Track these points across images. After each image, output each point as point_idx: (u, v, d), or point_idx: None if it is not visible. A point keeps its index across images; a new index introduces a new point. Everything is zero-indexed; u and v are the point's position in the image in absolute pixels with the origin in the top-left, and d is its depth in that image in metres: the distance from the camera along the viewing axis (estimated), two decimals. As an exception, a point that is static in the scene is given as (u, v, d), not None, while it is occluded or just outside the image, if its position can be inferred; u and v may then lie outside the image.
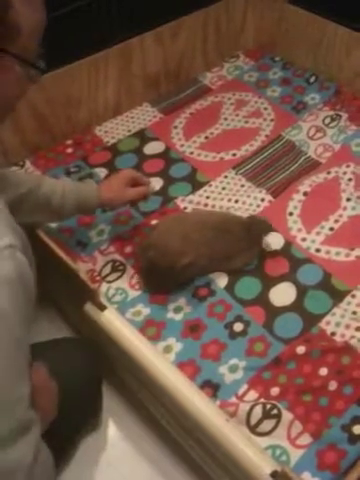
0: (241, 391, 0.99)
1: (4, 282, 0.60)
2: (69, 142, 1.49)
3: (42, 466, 0.67)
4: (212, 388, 1.00)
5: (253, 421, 0.95)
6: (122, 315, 1.06)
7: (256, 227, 1.19)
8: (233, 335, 1.07)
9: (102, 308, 1.00)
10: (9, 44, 0.65)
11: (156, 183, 1.37)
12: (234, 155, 1.46)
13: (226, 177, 1.40)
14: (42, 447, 0.68)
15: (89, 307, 1.01)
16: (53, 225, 1.27)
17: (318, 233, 1.26)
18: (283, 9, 1.69)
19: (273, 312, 1.11)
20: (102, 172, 1.41)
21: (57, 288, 1.20)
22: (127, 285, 1.16)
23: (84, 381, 1.01)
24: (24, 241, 0.67)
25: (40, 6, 0.68)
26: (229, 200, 1.34)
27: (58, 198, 1.07)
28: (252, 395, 0.99)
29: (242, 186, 1.37)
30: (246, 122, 1.56)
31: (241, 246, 1.16)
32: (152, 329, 1.08)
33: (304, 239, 1.24)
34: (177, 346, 1.06)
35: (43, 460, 0.68)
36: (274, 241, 1.23)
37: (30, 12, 0.66)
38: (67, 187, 1.09)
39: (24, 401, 0.64)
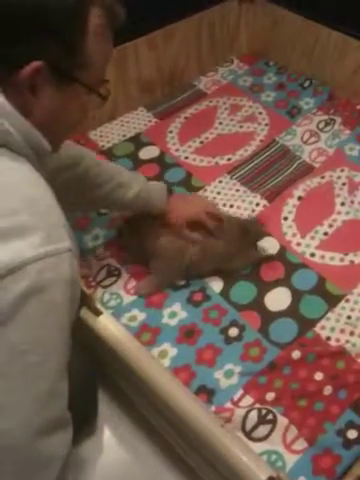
0: (236, 396, 0.99)
1: (62, 282, 0.63)
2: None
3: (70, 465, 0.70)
4: (207, 393, 1.00)
5: (248, 426, 0.95)
6: (117, 320, 1.05)
7: (253, 230, 1.19)
8: (228, 340, 1.07)
9: (97, 313, 1.00)
10: (80, 73, 0.69)
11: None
12: (229, 160, 1.47)
13: (221, 182, 1.40)
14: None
15: (84, 312, 1.00)
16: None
17: (313, 238, 1.26)
18: (277, 14, 1.70)
19: (268, 317, 1.11)
20: (97, 177, 1.40)
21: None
22: (122, 290, 1.15)
23: (79, 387, 0.99)
24: (76, 247, 0.69)
25: (110, 39, 0.73)
26: (224, 205, 1.34)
27: (131, 195, 1.10)
28: (247, 400, 0.99)
29: (237, 191, 1.38)
30: (241, 127, 1.57)
31: (238, 247, 1.16)
32: (147, 334, 1.08)
33: (299, 244, 1.25)
34: (172, 351, 1.06)
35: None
36: (269, 246, 1.24)
37: (103, 44, 0.70)
38: (143, 185, 1.13)
39: (65, 397, 0.67)
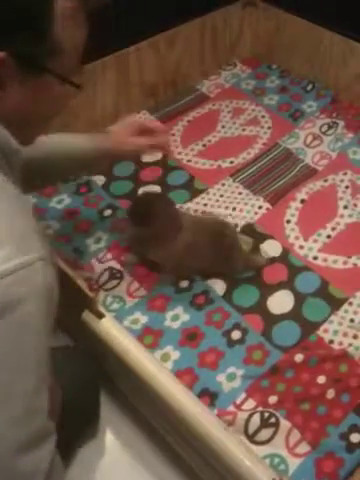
0: (239, 400, 0.99)
1: (35, 295, 0.60)
2: (67, 150, 1.49)
3: (57, 474, 0.68)
4: (210, 397, 0.99)
5: (251, 430, 0.95)
6: (120, 323, 1.05)
7: (231, 234, 1.17)
8: (231, 343, 1.07)
9: (100, 316, 1.00)
10: (51, 62, 0.64)
11: (154, 191, 1.37)
12: (232, 163, 1.47)
13: (224, 185, 1.40)
14: (56, 456, 0.69)
15: (87, 315, 1.01)
16: (49, 232, 1.27)
17: (315, 241, 1.26)
18: (280, 18, 1.70)
19: (271, 320, 1.11)
20: (100, 180, 1.41)
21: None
22: (125, 293, 1.15)
23: (81, 389, 1.00)
24: (50, 248, 0.66)
25: (83, 23, 0.67)
26: (226, 208, 1.34)
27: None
28: (250, 403, 0.99)
29: (240, 194, 1.38)
30: (243, 130, 1.57)
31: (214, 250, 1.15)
32: (149, 337, 1.08)
33: (302, 247, 1.24)
34: (175, 354, 1.06)
35: (57, 468, 0.68)
36: (272, 249, 1.23)
37: (74, 30, 0.65)
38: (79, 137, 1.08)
39: (44, 411, 0.65)
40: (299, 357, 1.03)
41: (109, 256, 1.22)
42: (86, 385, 1.03)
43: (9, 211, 0.62)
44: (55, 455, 0.67)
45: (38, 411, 0.64)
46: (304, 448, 0.93)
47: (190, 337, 1.08)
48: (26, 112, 0.67)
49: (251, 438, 0.94)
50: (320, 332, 1.08)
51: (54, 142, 1.04)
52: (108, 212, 1.32)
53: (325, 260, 1.22)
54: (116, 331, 0.99)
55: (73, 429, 1.01)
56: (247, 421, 0.96)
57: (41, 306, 0.61)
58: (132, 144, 1.08)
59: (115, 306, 1.13)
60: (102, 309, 1.02)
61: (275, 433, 0.95)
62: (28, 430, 0.62)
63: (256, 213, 1.32)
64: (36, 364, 0.62)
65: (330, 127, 1.56)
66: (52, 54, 0.63)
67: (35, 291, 0.60)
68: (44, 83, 0.65)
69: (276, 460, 0.92)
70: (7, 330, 0.58)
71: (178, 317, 1.11)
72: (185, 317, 1.12)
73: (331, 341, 1.07)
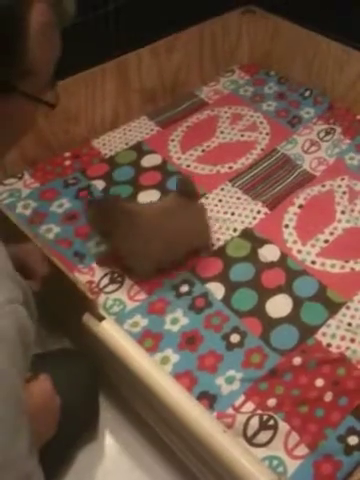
0: (238, 402, 1.00)
1: (2, 341, 0.56)
2: (67, 154, 1.50)
3: None
4: (209, 399, 1.00)
5: (250, 432, 0.96)
6: (120, 326, 1.06)
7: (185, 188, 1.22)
8: (230, 346, 1.08)
9: (100, 319, 1.01)
10: (20, 81, 0.58)
11: (153, 196, 1.38)
12: (230, 168, 1.48)
13: (222, 190, 1.42)
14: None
15: (87, 318, 1.01)
16: (50, 236, 1.28)
17: (313, 245, 1.27)
18: (278, 25, 1.72)
19: (269, 323, 1.12)
20: (100, 184, 1.42)
21: (55, 299, 1.20)
22: (125, 296, 1.16)
23: (80, 392, 1.01)
24: (25, 290, 0.64)
25: (57, 38, 0.62)
26: (225, 212, 1.35)
27: None
28: (249, 406, 0.99)
29: (238, 199, 1.39)
30: (242, 136, 1.58)
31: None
32: (149, 340, 1.09)
33: (300, 251, 1.26)
34: (174, 357, 1.06)
35: None
36: (270, 253, 1.25)
37: (49, 47, 0.60)
38: None
39: (22, 456, 0.61)
40: (297, 360, 1.04)
41: (110, 260, 1.23)
42: (85, 388, 1.03)
43: None
44: None
45: (12, 463, 0.59)
46: (302, 450, 0.94)
47: (189, 340, 1.09)
48: None
49: (250, 440, 0.95)
50: (318, 336, 1.09)
51: None
52: (108, 216, 1.33)
53: (323, 264, 1.23)
54: (116, 334, 1.00)
55: (72, 432, 1.02)
56: (246, 424, 0.96)
57: (10, 355, 0.57)
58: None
59: (115, 309, 1.14)
60: (102, 312, 1.03)
61: (274, 435, 0.95)
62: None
63: (254, 218, 1.33)
64: (8, 415, 0.58)
65: (327, 133, 1.57)
66: (24, 74, 0.58)
67: (1, 339, 0.56)
68: (15, 104, 0.60)
69: (275, 462, 0.93)
70: None
71: (178, 320, 1.12)
72: (184, 320, 1.12)
73: (329, 344, 1.08)
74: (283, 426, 0.96)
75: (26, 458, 0.62)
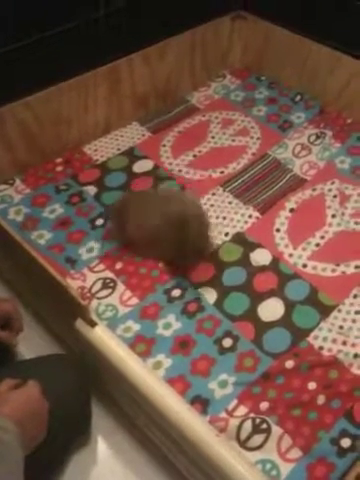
0: (231, 406, 1.00)
1: None
2: (59, 160, 1.50)
3: None
4: (202, 404, 1.00)
5: (243, 436, 0.96)
6: (112, 331, 1.06)
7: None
8: (222, 350, 1.08)
9: (92, 324, 1.00)
10: None
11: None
12: (222, 173, 1.48)
13: (214, 194, 1.42)
14: None
15: (79, 323, 1.01)
16: (42, 242, 1.28)
17: (305, 249, 1.28)
18: (269, 30, 1.73)
19: (262, 327, 1.12)
20: (92, 190, 1.42)
21: (47, 304, 1.20)
22: (118, 301, 1.16)
23: (72, 397, 1.00)
24: None
25: None
26: (217, 217, 1.35)
27: None
28: (242, 410, 0.99)
29: (230, 203, 1.40)
30: (233, 140, 1.59)
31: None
32: (142, 345, 1.09)
33: (291, 255, 1.26)
34: (167, 362, 1.06)
35: None
36: (262, 257, 1.25)
37: None
38: None
39: None
40: (290, 364, 1.05)
41: (102, 266, 1.23)
42: (77, 393, 1.03)
43: None
44: None
45: None
46: (296, 453, 0.94)
47: (182, 345, 1.09)
48: None
49: (243, 444, 0.95)
50: (310, 339, 1.10)
51: None
52: (100, 222, 1.33)
53: (314, 268, 1.23)
54: (109, 339, 1.00)
55: (65, 438, 1.02)
56: (239, 427, 0.97)
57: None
58: None
59: (108, 314, 1.14)
60: (95, 317, 1.03)
61: (267, 439, 0.96)
62: None
63: (246, 222, 1.34)
64: None
65: (318, 137, 1.58)
66: None
67: None
68: None
69: (268, 466, 0.93)
70: None
71: (170, 325, 1.12)
72: (177, 325, 1.13)
73: (321, 347, 1.08)
74: (276, 429, 0.97)
75: None
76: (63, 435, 0.98)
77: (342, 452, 0.94)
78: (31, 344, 1.21)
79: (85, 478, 1.08)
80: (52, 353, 1.17)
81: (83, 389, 1.05)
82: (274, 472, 0.92)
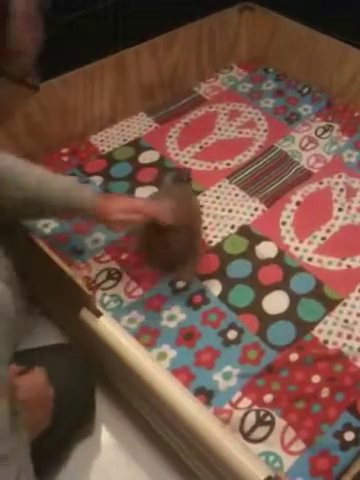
0: (235, 398, 1.00)
1: None
2: (65, 150, 1.50)
3: None
4: (206, 395, 1.01)
5: (247, 428, 0.96)
6: (117, 322, 1.06)
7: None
8: (227, 343, 1.08)
9: (98, 314, 1.00)
10: (5, 62, 0.63)
11: (151, 192, 1.38)
12: (228, 165, 1.48)
13: (220, 186, 1.42)
14: (26, 469, 0.66)
15: (85, 313, 1.01)
16: (48, 231, 1.28)
17: (310, 242, 1.27)
18: (276, 21, 1.72)
19: (266, 320, 1.12)
20: (98, 180, 1.42)
21: (52, 294, 1.21)
22: (122, 292, 1.16)
23: (76, 387, 1.01)
24: (9, 270, 0.65)
25: (37, 25, 0.66)
26: (223, 209, 1.35)
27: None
28: (246, 402, 1.00)
29: (236, 195, 1.39)
30: (240, 132, 1.58)
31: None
32: (146, 336, 1.09)
33: (297, 248, 1.26)
34: (171, 353, 1.07)
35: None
36: (267, 250, 1.25)
37: (27, 31, 0.64)
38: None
39: None
40: (294, 356, 1.05)
41: (107, 256, 1.23)
42: (82, 383, 1.03)
43: None
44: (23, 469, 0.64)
45: None
46: (299, 446, 0.94)
47: (186, 336, 1.09)
48: None
49: (246, 436, 0.95)
50: (315, 332, 1.10)
51: (58, 189, 1.06)
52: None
53: (320, 261, 1.23)
54: (114, 329, 1.00)
55: (69, 427, 1.02)
56: (243, 419, 0.97)
57: None
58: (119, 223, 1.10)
59: (112, 305, 1.14)
60: (99, 308, 1.03)
61: (270, 431, 0.96)
62: None
63: (252, 215, 1.33)
64: None
65: (325, 130, 1.58)
66: (9, 55, 0.63)
67: None
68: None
69: (271, 458, 0.93)
70: None
71: (175, 317, 1.13)
72: (181, 317, 1.13)
73: (326, 341, 1.08)
74: (280, 422, 0.97)
75: (1, 437, 0.61)
76: (67, 424, 0.99)
77: (345, 445, 0.94)
78: (36, 334, 1.21)
79: (88, 467, 1.08)
80: (57, 343, 1.17)
81: (87, 379, 1.05)
82: (277, 464, 0.92)
